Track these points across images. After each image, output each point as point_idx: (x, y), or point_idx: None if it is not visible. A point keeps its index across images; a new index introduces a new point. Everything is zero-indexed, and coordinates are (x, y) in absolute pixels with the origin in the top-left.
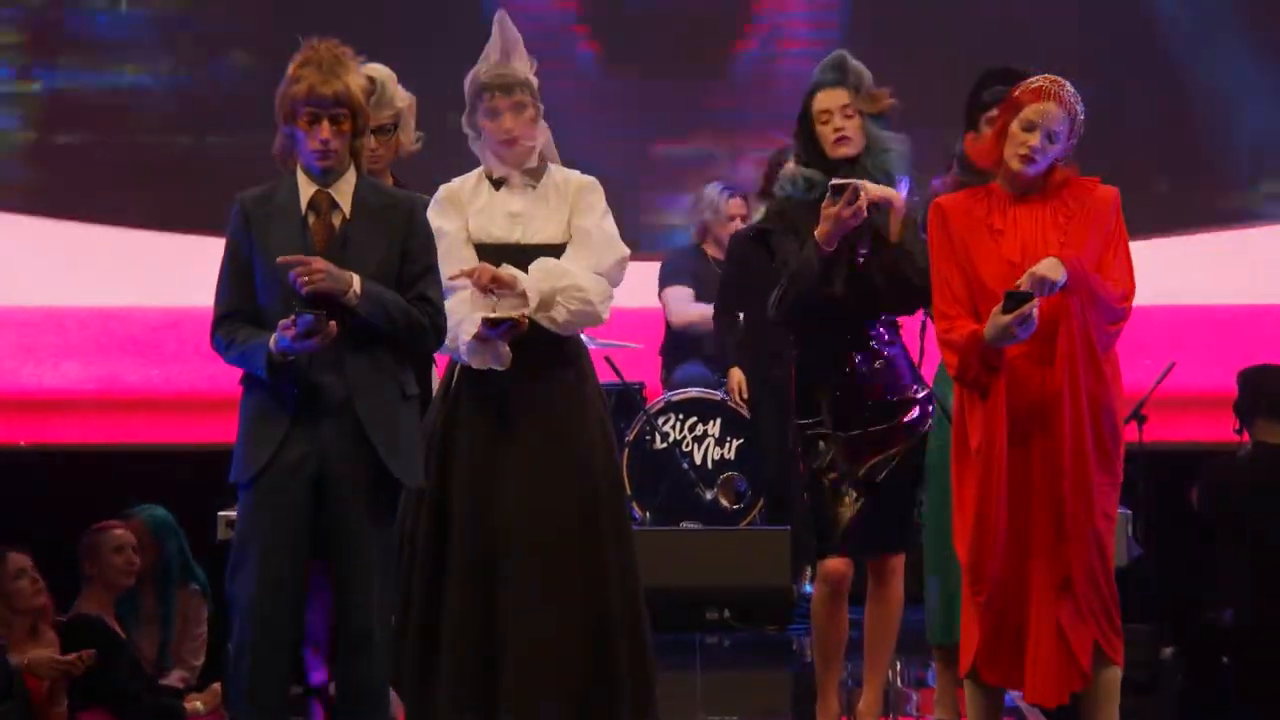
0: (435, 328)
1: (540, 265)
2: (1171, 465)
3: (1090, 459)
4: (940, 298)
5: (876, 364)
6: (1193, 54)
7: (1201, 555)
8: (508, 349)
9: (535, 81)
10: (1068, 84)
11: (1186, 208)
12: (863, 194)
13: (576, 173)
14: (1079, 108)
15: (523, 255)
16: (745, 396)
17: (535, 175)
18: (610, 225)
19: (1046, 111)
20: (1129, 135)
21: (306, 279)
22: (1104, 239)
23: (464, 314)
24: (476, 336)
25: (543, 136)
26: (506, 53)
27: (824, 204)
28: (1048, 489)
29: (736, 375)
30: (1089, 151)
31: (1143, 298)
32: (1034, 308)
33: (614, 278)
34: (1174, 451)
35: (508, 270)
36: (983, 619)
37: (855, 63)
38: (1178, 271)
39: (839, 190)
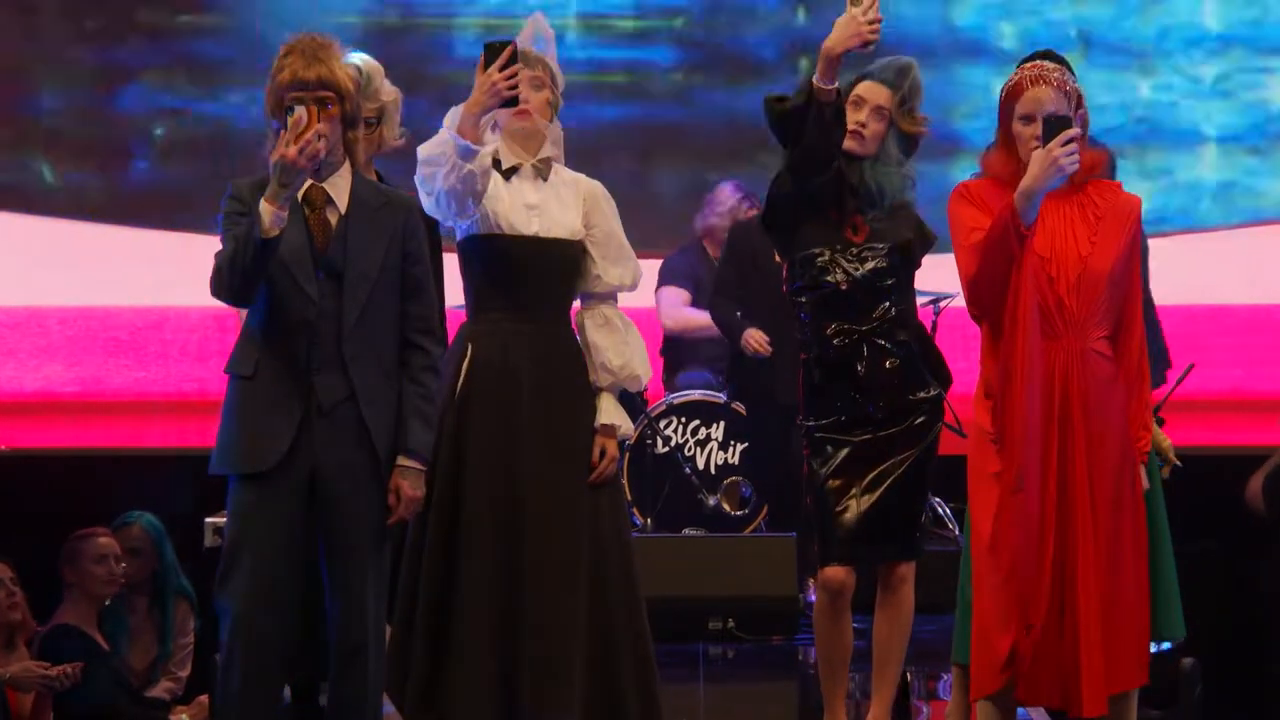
0: (436, 372)
1: (611, 403)
2: (1190, 470)
3: (1127, 463)
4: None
5: (889, 364)
6: None
7: (1222, 560)
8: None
9: (560, 79)
10: (1047, 63)
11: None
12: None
13: (583, 175)
14: (1070, 82)
15: (542, 249)
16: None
17: (544, 169)
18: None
19: (1039, 98)
20: None
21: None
22: (1132, 247)
23: None
24: None
25: (554, 132)
26: (534, 41)
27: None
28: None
29: (754, 333)
30: None
31: (1161, 296)
32: (1075, 133)
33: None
34: (1194, 456)
35: (610, 443)
36: (1023, 644)
37: (918, 78)
38: (1196, 269)
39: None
